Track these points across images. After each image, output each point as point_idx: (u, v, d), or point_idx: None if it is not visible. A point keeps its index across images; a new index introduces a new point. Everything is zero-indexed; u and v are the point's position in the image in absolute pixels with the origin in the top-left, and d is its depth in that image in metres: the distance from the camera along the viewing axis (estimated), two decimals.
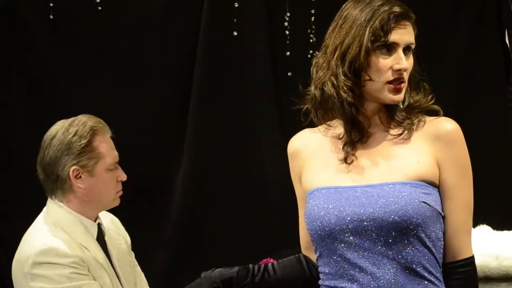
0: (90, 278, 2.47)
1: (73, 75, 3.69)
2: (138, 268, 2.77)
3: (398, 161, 1.88)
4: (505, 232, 3.22)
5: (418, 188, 1.85)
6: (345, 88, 1.86)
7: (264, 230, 3.75)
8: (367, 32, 1.85)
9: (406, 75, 1.89)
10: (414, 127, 1.91)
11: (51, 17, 3.66)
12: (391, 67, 1.87)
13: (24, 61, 3.66)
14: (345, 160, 1.91)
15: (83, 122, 2.57)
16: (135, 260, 2.77)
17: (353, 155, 1.91)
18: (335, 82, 1.87)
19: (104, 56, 3.71)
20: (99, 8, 3.67)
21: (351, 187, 1.89)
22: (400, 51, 1.88)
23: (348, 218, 1.85)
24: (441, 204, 1.89)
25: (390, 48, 1.87)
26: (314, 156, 1.99)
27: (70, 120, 2.58)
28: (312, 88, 1.94)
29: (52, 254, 2.44)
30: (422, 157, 1.88)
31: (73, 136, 2.52)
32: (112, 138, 2.65)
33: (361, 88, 1.87)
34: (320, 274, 1.95)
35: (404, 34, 1.88)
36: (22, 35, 3.65)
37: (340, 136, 1.95)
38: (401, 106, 1.93)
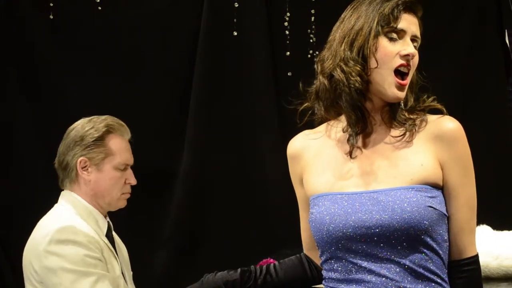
0: (103, 268, 2.48)
1: (73, 75, 3.68)
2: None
3: (402, 164, 1.88)
4: (505, 232, 3.22)
5: (424, 192, 1.84)
6: (353, 73, 1.87)
7: (264, 230, 3.74)
8: (376, 17, 1.88)
9: (412, 67, 1.91)
10: (417, 127, 1.91)
11: (51, 17, 3.66)
12: (398, 53, 1.88)
13: (24, 62, 3.66)
14: (350, 154, 1.91)
15: (103, 119, 2.68)
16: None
17: (359, 148, 1.91)
18: (344, 68, 1.88)
19: (104, 56, 3.71)
20: (99, 8, 3.67)
21: (357, 193, 1.88)
22: (407, 39, 1.91)
23: (355, 225, 1.84)
24: (445, 204, 1.89)
25: (398, 34, 1.89)
26: (316, 158, 1.98)
27: (93, 116, 2.69)
28: (320, 77, 1.95)
29: (70, 231, 2.47)
30: (426, 160, 1.88)
31: (89, 129, 2.63)
32: (130, 142, 2.71)
33: (368, 74, 1.88)
34: (324, 278, 1.94)
35: (412, 24, 1.92)
36: (22, 35, 3.65)
37: (344, 130, 1.95)
38: (403, 107, 1.93)
